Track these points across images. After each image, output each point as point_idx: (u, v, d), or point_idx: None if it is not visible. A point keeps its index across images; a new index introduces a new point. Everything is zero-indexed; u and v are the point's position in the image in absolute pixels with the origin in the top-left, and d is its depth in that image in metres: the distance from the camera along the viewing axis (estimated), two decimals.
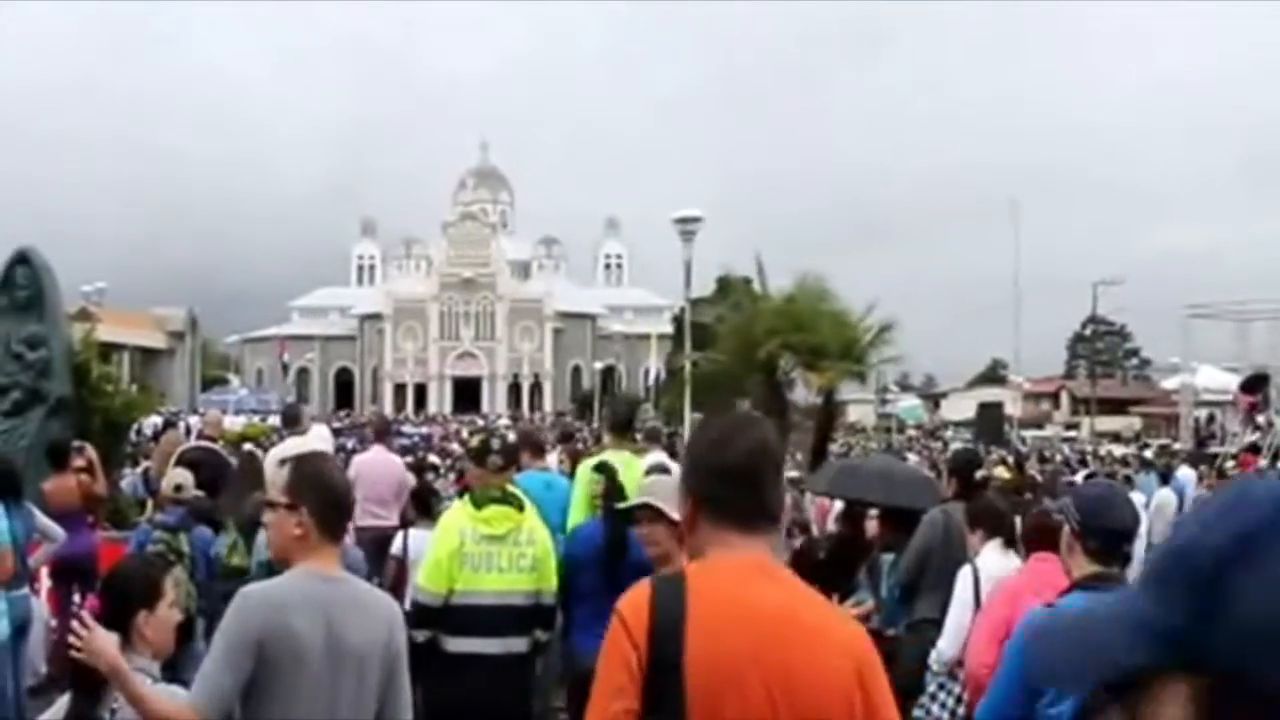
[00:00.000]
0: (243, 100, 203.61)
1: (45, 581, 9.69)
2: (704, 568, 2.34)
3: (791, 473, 15.40)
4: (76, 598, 9.77)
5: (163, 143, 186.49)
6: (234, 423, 34.32)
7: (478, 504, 5.76)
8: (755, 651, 2.19)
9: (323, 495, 3.52)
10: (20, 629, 7.75)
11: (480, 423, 67.54)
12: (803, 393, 25.96)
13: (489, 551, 5.61)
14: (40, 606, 8.90)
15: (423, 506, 8.96)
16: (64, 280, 13.24)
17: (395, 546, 8.29)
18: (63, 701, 3.67)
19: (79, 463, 10.05)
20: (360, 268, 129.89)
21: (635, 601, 2.28)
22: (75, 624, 3.50)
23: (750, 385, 26.11)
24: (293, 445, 11.73)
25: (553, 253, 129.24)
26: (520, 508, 5.76)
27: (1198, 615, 0.93)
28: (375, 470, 11.12)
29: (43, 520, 8.21)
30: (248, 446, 13.09)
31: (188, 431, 17.76)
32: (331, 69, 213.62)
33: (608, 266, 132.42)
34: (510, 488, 5.95)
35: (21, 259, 12.47)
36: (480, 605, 5.49)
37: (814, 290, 25.75)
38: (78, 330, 13.63)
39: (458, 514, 5.90)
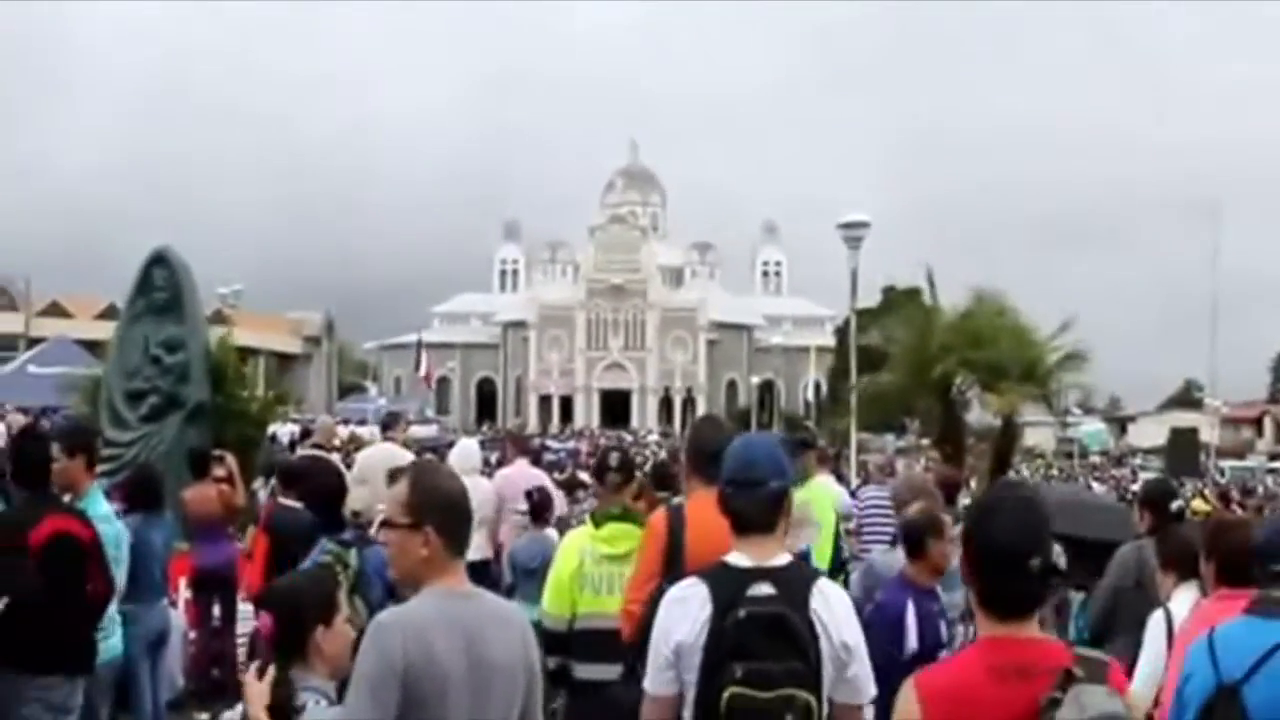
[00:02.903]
0: (384, 101, 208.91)
1: (184, 592, 10.03)
2: (694, 503, 4.77)
3: (966, 500, 15.11)
4: (216, 609, 10.12)
5: (301, 142, 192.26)
6: (373, 432, 35.09)
7: (597, 523, 5.82)
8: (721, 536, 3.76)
9: (446, 511, 3.50)
10: (158, 641, 8.02)
11: (629, 438, 67.82)
12: (978, 414, 25.52)
13: (610, 572, 5.64)
14: (178, 618, 9.20)
15: (538, 514, 9.39)
16: (199, 281, 13.60)
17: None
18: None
19: (219, 472, 10.36)
20: (503, 273, 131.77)
21: (658, 517, 4.99)
22: (248, 677, 3.57)
23: (921, 405, 25.77)
24: (380, 452, 12.00)
25: (707, 259, 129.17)
26: (641, 524, 5.70)
27: None
28: (518, 486, 11.24)
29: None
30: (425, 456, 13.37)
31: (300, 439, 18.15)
32: (474, 68, 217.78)
33: (765, 274, 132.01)
34: (631, 505, 5.99)
35: (159, 259, 12.78)
36: (605, 629, 5.41)
37: (992, 304, 25.28)
38: (214, 333, 14.02)
39: (579, 534, 5.98)
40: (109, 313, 52.35)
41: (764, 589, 3.47)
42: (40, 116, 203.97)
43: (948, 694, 2.81)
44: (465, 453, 12.34)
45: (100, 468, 10.68)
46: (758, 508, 3.66)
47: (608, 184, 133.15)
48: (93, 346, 24.53)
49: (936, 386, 23.87)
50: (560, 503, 10.78)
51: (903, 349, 25.84)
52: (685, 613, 3.52)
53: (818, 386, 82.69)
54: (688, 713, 3.54)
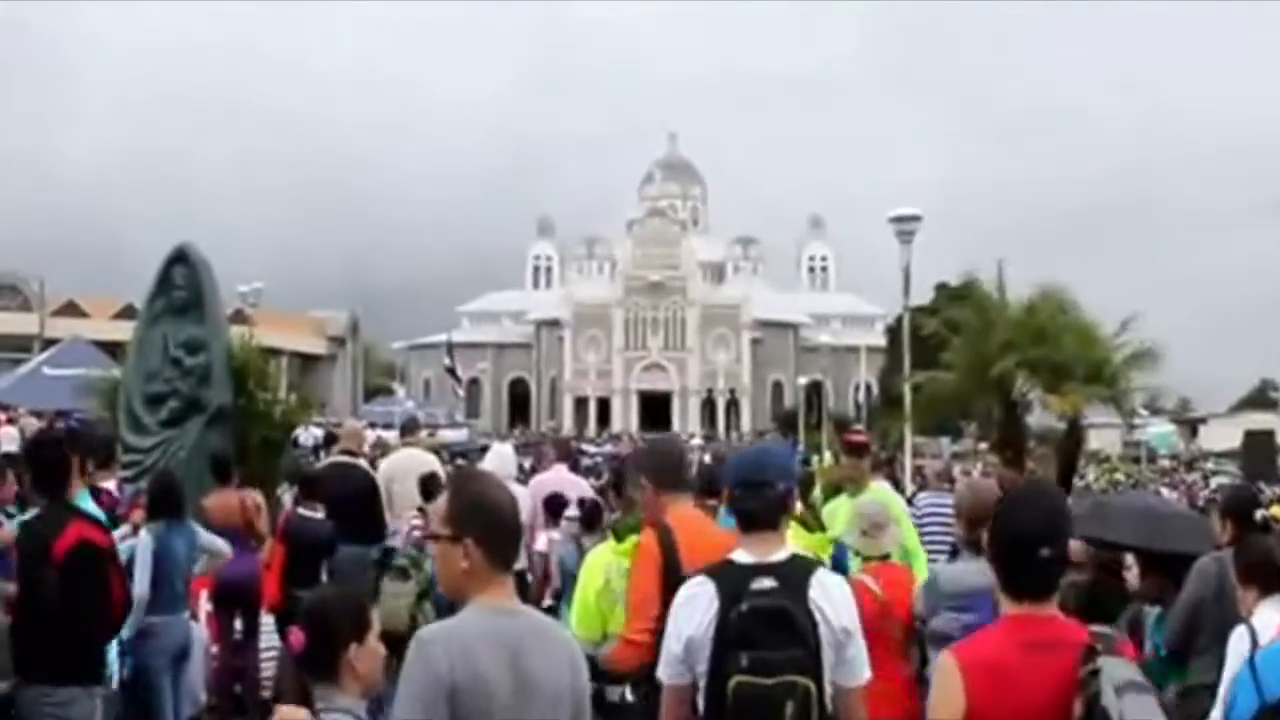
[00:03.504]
0: (413, 94, 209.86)
1: (204, 605, 10.06)
2: (675, 518, 5.04)
3: None
4: (238, 623, 10.15)
5: (323, 134, 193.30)
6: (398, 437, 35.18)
7: (619, 536, 5.79)
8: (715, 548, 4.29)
9: (488, 522, 3.49)
10: (180, 656, 8.05)
11: None
12: (1039, 416, 25.35)
13: None
14: (200, 631, 9.23)
15: (591, 523, 9.48)
16: (219, 280, 13.64)
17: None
18: None
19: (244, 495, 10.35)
20: (536, 269, 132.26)
21: (648, 539, 5.03)
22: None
23: (979, 407, 25.59)
24: (405, 458, 12.04)
25: (750, 253, 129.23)
26: None
27: None
28: (556, 492, 11.25)
29: (206, 537, 8.50)
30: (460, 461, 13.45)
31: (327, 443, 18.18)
32: (505, 56, 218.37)
33: (812, 269, 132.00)
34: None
35: (179, 257, 12.81)
36: None
37: (1055, 299, 25.10)
38: (235, 334, 14.06)
39: (602, 551, 5.98)
40: (126, 313, 52.80)
41: (766, 583, 3.92)
42: (53, 112, 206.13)
43: (987, 665, 3.27)
44: (501, 458, 12.35)
45: (120, 474, 10.89)
46: (765, 507, 4.15)
47: (645, 176, 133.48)
48: (110, 348, 24.72)
49: (996, 387, 23.72)
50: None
51: (958, 345, 25.68)
52: (694, 609, 3.97)
53: (868, 388, 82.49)
54: (700, 700, 4.01)
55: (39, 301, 71.43)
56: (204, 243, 13.14)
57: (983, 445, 36.32)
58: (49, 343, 49.02)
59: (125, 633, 7.54)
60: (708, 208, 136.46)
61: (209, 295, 12.77)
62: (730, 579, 3.98)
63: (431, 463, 11.79)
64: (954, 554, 7.22)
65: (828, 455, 39.14)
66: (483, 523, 3.48)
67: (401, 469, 11.67)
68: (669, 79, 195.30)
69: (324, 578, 9.68)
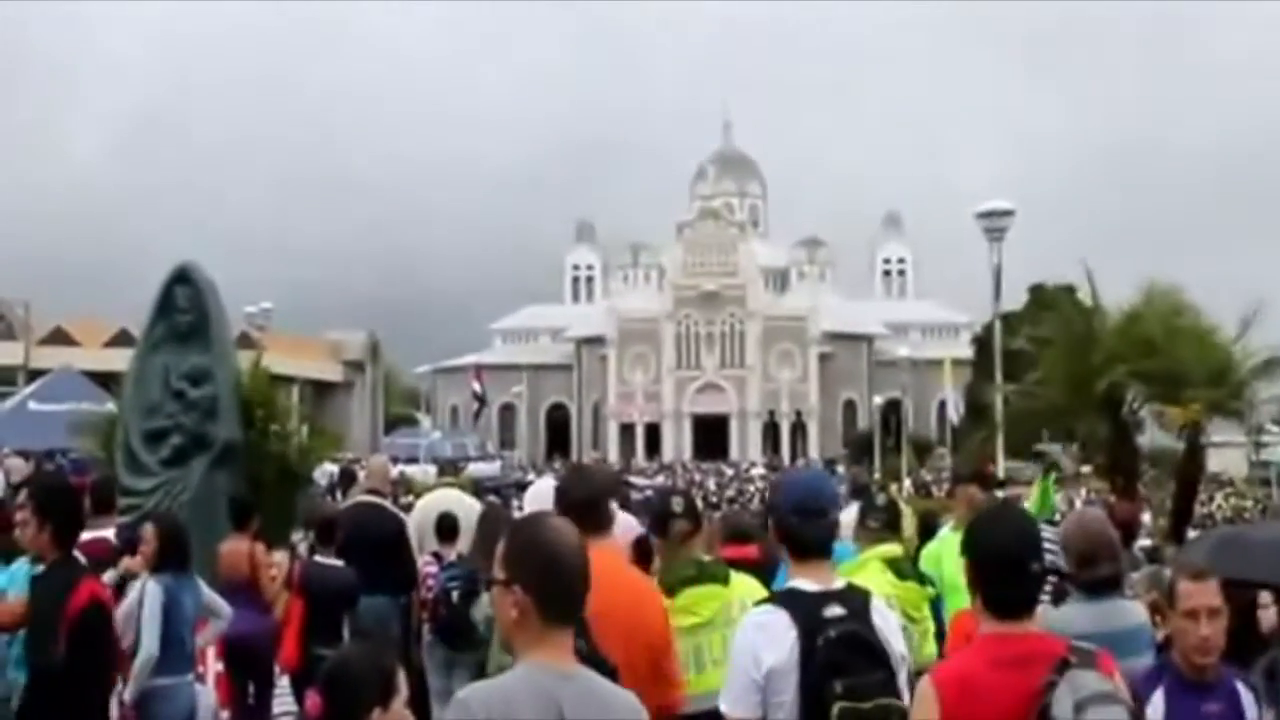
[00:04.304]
0: (438, 91, 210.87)
1: (213, 665, 10.10)
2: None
3: (1144, 541, 14.86)
4: (251, 686, 10.18)
5: (336, 135, 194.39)
6: (426, 473, 35.29)
7: (670, 589, 5.76)
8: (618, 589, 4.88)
9: (543, 569, 3.46)
10: None
11: (729, 472, 67.67)
12: (1150, 436, 25.12)
13: (698, 644, 5.67)
14: (209, 695, 9.27)
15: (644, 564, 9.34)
16: (226, 301, 13.71)
17: None
18: None
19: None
20: (576, 280, 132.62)
21: None
22: None
23: (1083, 424, 25.37)
24: (441, 498, 12.05)
25: (816, 257, 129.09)
26: (724, 580, 5.83)
27: None
28: None
29: (208, 594, 8.53)
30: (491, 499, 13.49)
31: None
32: (539, 53, 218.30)
33: (887, 273, 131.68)
34: (706, 557, 6.02)
35: (181, 277, 12.86)
36: (703, 711, 5.37)
37: (1165, 302, 24.87)
38: (243, 360, 14.12)
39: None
40: (120, 339, 53.27)
41: (836, 610, 4.31)
42: (41, 117, 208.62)
43: (956, 682, 3.86)
44: (540, 495, 12.22)
45: (118, 520, 10.94)
46: (823, 535, 4.57)
47: (697, 172, 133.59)
48: (103, 379, 24.97)
49: (1101, 403, 23.51)
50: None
51: (1057, 355, 25.51)
52: (772, 637, 4.28)
53: (956, 407, 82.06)
54: None
55: (23, 328, 72.01)
56: (207, 260, 13.22)
57: (1086, 468, 35.90)
58: (35, 374, 49.50)
59: (127, 696, 7.59)
60: (768, 207, 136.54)
61: (215, 319, 12.81)
62: (802, 607, 4.30)
63: (458, 501, 11.77)
64: (1059, 596, 7.15)
65: (908, 484, 39.02)
66: (538, 569, 3.46)
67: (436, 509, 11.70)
68: (722, 62, 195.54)
69: (346, 633, 9.71)
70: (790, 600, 4.37)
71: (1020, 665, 3.80)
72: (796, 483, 5.01)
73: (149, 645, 7.59)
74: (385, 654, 4.07)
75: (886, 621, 4.46)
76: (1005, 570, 3.98)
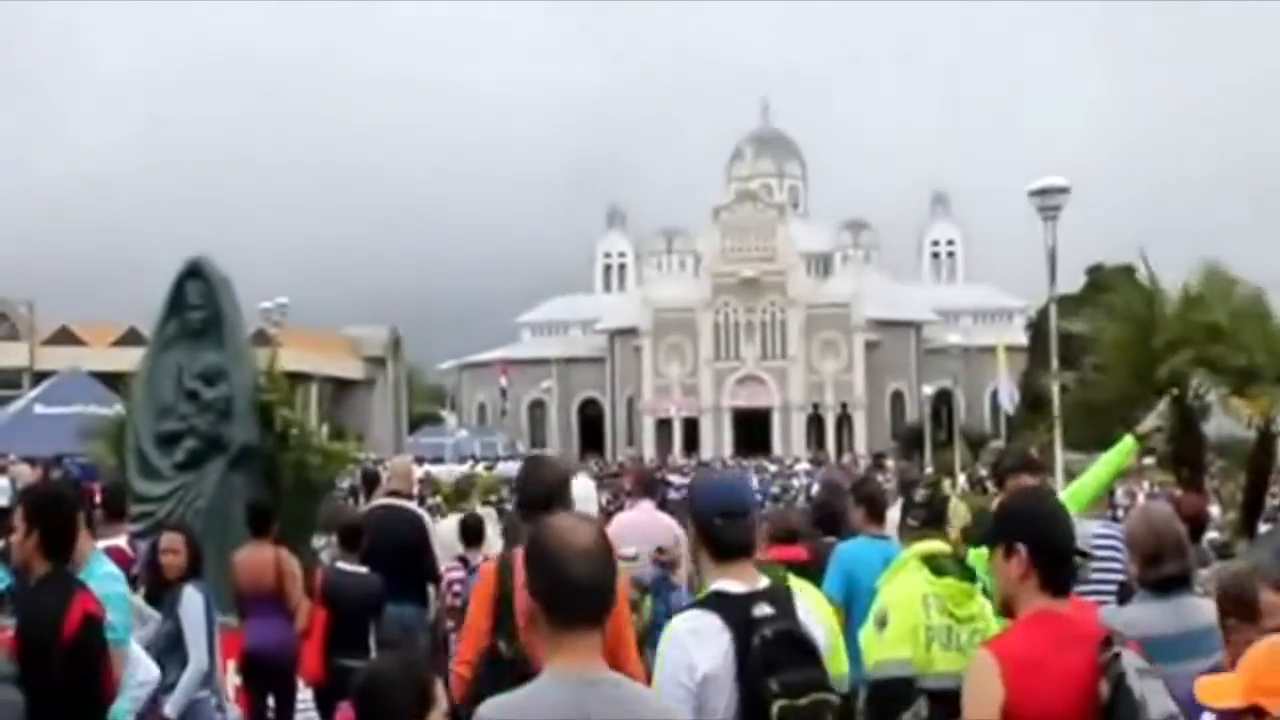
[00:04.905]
0: (461, 72, 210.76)
1: (232, 678, 10.13)
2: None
3: (1211, 534, 14.77)
4: (271, 701, 10.22)
5: (353, 127, 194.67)
6: (451, 473, 35.28)
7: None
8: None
9: (546, 573, 3.50)
10: None
11: (772, 468, 67.56)
12: (1217, 425, 24.94)
13: None
14: (234, 712, 9.31)
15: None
16: (241, 296, 13.74)
17: None
18: None
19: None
20: (607, 269, 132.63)
21: (486, 569, 5.89)
22: None
23: (1144, 414, 25.17)
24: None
25: (861, 240, 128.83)
26: (782, 582, 5.78)
27: None
28: (643, 534, 11.19)
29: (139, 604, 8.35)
30: None
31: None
32: (565, 30, 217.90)
33: (936, 256, 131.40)
34: (762, 557, 5.94)
35: (194, 272, 12.89)
36: None
37: (1229, 282, 24.72)
38: (260, 358, 14.14)
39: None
40: (129, 338, 53.64)
41: (765, 609, 4.53)
42: (46, 107, 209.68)
43: (1022, 660, 4.11)
44: (576, 495, 12.33)
45: (130, 528, 10.99)
46: (744, 536, 4.78)
47: (734, 153, 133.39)
48: (112, 380, 25.00)
49: (1164, 390, 23.36)
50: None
51: (1116, 341, 25.37)
52: (705, 642, 4.44)
53: (1011, 397, 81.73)
54: None
55: (28, 328, 72.47)
56: (220, 254, 13.25)
57: (1148, 460, 35.67)
58: (40, 376, 49.69)
59: (171, 711, 7.66)
60: (808, 188, 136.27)
61: (229, 316, 12.85)
62: (732, 608, 4.51)
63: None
64: (1123, 595, 7.12)
65: (961, 479, 38.87)
66: (541, 573, 3.50)
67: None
68: (758, 35, 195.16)
69: (372, 642, 9.74)
70: (719, 603, 4.56)
71: (1077, 643, 4.14)
72: (716, 484, 5.27)
73: (199, 657, 7.66)
74: (420, 664, 4.09)
75: (810, 615, 4.73)
76: (1063, 550, 4.40)
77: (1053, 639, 4.15)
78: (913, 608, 6.31)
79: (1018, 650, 4.16)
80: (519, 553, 5.53)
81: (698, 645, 4.44)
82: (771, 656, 4.42)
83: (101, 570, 6.61)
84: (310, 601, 9.97)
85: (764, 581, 4.72)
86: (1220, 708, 3.74)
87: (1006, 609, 4.52)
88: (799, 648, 4.52)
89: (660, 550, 9.75)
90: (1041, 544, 4.33)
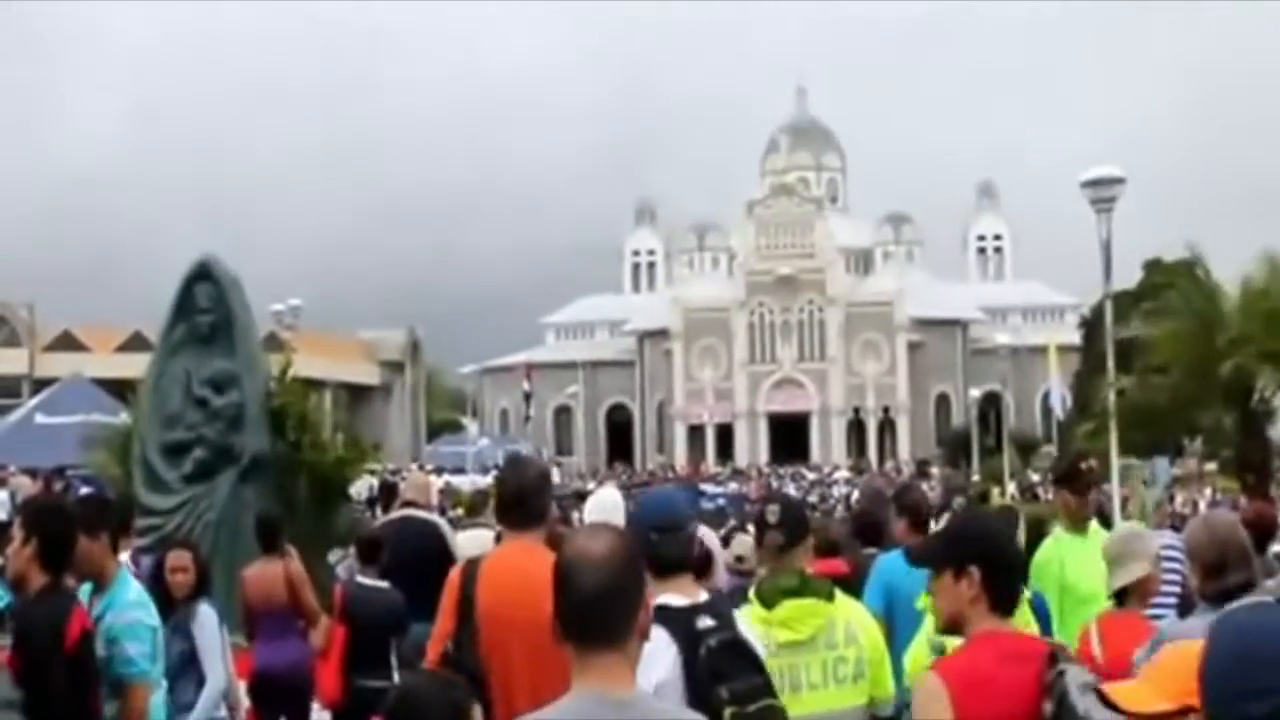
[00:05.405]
0: (481, 63, 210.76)
1: (243, 699, 10.15)
2: (497, 553, 6.32)
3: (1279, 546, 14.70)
4: None
5: (368, 111, 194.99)
6: (473, 483, 35.35)
7: (768, 601, 5.76)
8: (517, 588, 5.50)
9: (561, 592, 3.46)
10: None
11: (810, 476, 67.56)
12: None
13: (793, 664, 5.65)
14: None
15: (701, 573, 9.46)
16: (251, 297, 13.75)
17: None
18: None
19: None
20: (636, 267, 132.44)
21: (454, 571, 6.26)
22: None
23: (1205, 417, 25.13)
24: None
25: (903, 235, 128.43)
26: (829, 596, 5.81)
27: None
28: None
29: None
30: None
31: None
32: (594, 19, 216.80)
33: (982, 251, 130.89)
34: (809, 570, 5.97)
35: (202, 273, 12.90)
36: None
37: None
38: (271, 363, 14.16)
39: (742, 617, 5.91)
40: (134, 343, 53.80)
41: (707, 621, 4.84)
42: (46, 100, 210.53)
43: (969, 680, 4.25)
44: (603, 506, 12.22)
45: (136, 542, 11.00)
46: (682, 550, 5.14)
47: (769, 144, 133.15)
48: (116, 387, 25.11)
49: (1227, 391, 23.29)
50: (722, 567, 10.45)
51: (1174, 339, 25.30)
52: (652, 655, 4.32)
53: (1063, 400, 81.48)
54: None
55: (28, 333, 72.70)
56: (229, 254, 13.28)
57: (1211, 466, 35.55)
58: (41, 383, 49.96)
59: None
60: (847, 181, 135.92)
61: (239, 319, 12.87)
62: (677, 622, 4.77)
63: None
64: (1184, 608, 7.09)
65: (1011, 487, 38.76)
66: (557, 587, 3.46)
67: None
68: (793, 22, 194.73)
69: (394, 662, 9.73)
70: (663, 617, 4.62)
71: (1023, 660, 4.30)
72: (653, 500, 5.86)
73: (216, 675, 7.69)
74: (455, 684, 4.06)
75: (749, 626, 5.17)
76: (1015, 569, 4.80)
77: (999, 657, 4.33)
78: None
79: (965, 670, 4.34)
80: (490, 558, 6.17)
81: (646, 660, 4.04)
82: (718, 666, 4.71)
83: (127, 596, 6.61)
84: (329, 618, 9.96)
85: (703, 595, 5.11)
86: (1147, 712, 3.66)
87: (952, 629, 4.66)
88: (744, 657, 4.82)
89: (739, 558, 9.90)
90: (994, 566, 4.53)
